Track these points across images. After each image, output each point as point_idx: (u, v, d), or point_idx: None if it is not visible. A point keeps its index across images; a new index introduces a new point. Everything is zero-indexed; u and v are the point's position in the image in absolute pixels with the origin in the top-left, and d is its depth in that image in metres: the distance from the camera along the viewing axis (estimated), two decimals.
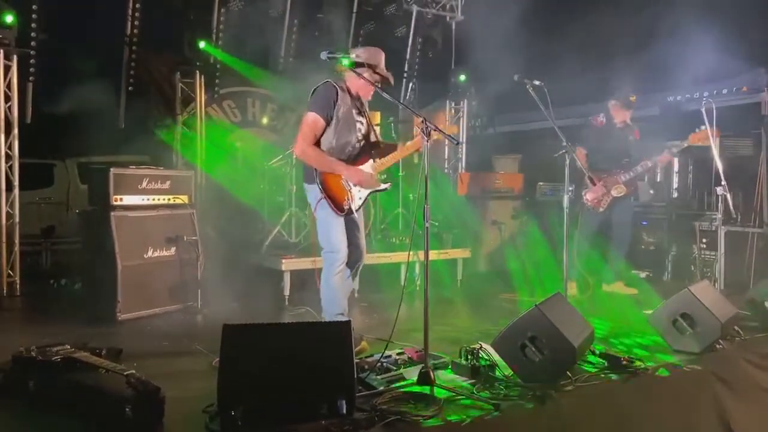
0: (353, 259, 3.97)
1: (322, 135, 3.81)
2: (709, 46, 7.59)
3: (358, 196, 3.88)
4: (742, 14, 7.77)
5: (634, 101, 5.76)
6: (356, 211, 3.89)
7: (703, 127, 5.39)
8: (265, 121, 8.50)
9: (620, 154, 5.79)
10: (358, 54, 3.80)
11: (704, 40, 7.55)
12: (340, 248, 3.82)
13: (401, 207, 6.75)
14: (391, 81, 3.90)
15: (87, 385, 2.80)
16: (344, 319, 3.81)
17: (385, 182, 4.03)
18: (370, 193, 3.97)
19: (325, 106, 3.76)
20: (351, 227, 3.94)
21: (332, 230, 3.83)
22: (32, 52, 6.26)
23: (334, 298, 3.88)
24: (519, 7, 7.50)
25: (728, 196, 5.39)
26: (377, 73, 3.82)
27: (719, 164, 5.40)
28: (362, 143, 3.96)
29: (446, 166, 9.37)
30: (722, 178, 5.34)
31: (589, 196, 5.73)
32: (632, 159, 5.75)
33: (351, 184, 3.85)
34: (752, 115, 7.04)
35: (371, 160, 3.95)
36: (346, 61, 3.64)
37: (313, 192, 3.83)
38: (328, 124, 3.79)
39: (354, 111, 3.88)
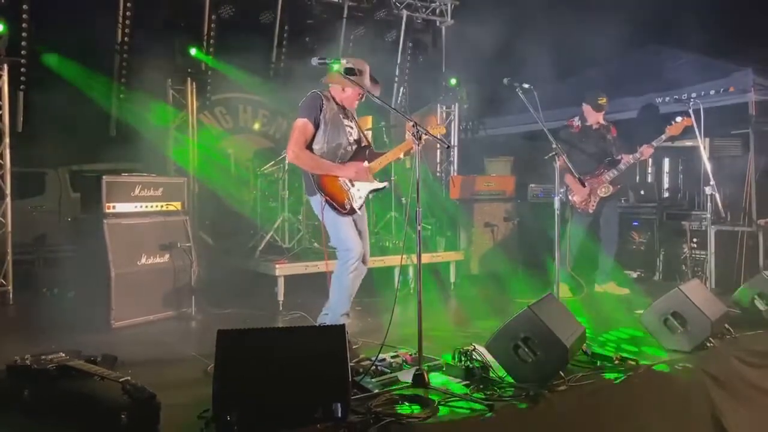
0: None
1: (313, 140, 3.92)
2: (696, 46, 7.68)
3: (357, 195, 3.98)
4: (728, 14, 7.86)
5: (603, 103, 5.83)
6: (359, 209, 3.97)
7: (679, 119, 5.47)
8: (257, 127, 8.51)
9: (601, 154, 5.85)
10: (347, 61, 3.90)
11: (691, 40, 7.65)
12: (353, 245, 3.90)
13: (394, 211, 6.77)
14: (376, 92, 3.97)
15: (82, 393, 2.80)
16: (348, 320, 3.87)
17: (381, 181, 4.11)
18: (370, 191, 4.05)
19: (312, 110, 3.91)
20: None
21: (341, 229, 3.92)
22: (23, 61, 6.26)
23: (343, 298, 3.96)
24: (508, 11, 7.56)
25: (717, 195, 5.45)
26: (363, 81, 3.91)
27: (707, 164, 5.47)
28: (354, 147, 4.05)
29: (438, 169, 9.41)
30: (711, 177, 5.40)
31: (576, 199, 5.78)
32: (614, 157, 5.81)
33: (349, 185, 3.96)
34: (740, 115, 7.10)
35: (365, 162, 4.04)
36: (336, 66, 3.69)
37: (316, 200, 3.92)
38: (317, 128, 3.91)
39: (341, 115, 4.01)
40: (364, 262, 4.08)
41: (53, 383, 2.89)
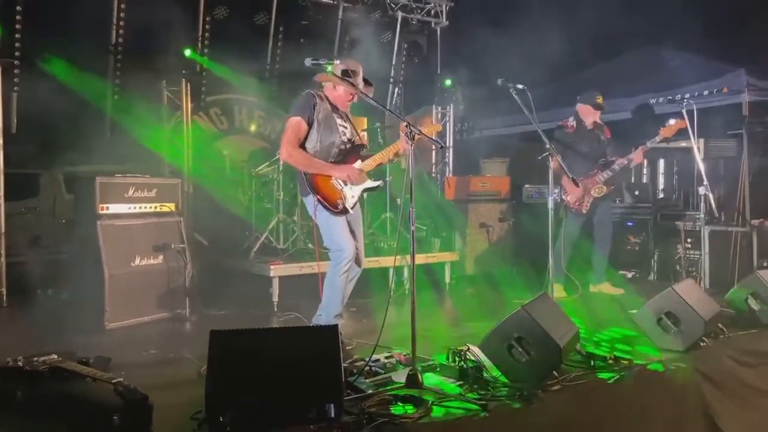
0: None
1: (306, 139, 3.93)
2: (689, 47, 7.70)
3: (350, 194, 3.98)
4: (721, 15, 7.89)
5: (601, 102, 5.86)
6: (351, 208, 3.97)
7: (672, 121, 5.51)
8: (253, 128, 8.50)
9: (596, 155, 5.88)
10: (341, 62, 3.91)
11: (685, 41, 7.67)
12: (345, 246, 3.89)
13: (389, 211, 6.78)
14: (369, 93, 3.97)
15: (74, 395, 2.79)
16: (341, 321, 3.87)
17: (375, 180, 4.10)
18: (363, 191, 4.05)
19: (306, 109, 3.92)
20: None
21: (334, 229, 3.92)
22: (16, 62, 6.25)
23: (336, 299, 3.95)
24: (502, 12, 7.58)
25: (710, 195, 5.47)
26: (356, 82, 3.92)
27: (701, 165, 5.49)
28: (348, 146, 4.05)
29: (434, 170, 9.41)
30: (704, 178, 5.42)
31: (569, 199, 5.80)
32: (608, 158, 5.84)
33: (342, 184, 3.95)
34: (733, 116, 7.13)
35: (359, 161, 4.05)
36: (329, 68, 3.69)
37: (309, 200, 3.92)
38: (310, 126, 3.93)
39: (335, 115, 4.01)
40: (358, 263, 4.08)
41: (45, 385, 2.88)
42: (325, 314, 3.96)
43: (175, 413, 2.76)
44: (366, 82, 4.04)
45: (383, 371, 3.32)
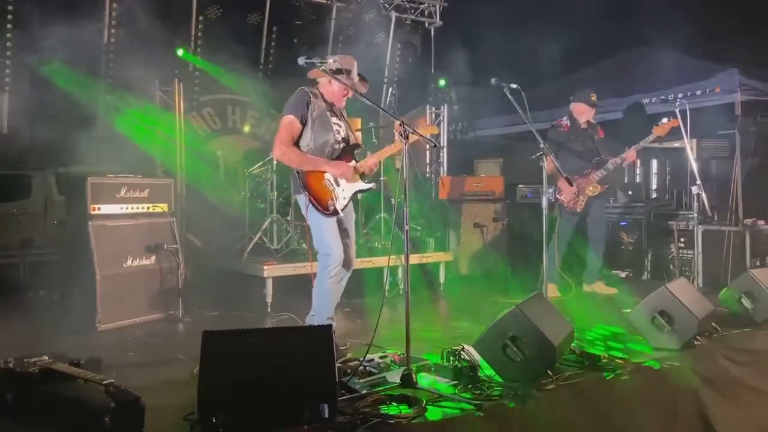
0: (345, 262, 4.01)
1: (300, 137, 3.90)
2: (682, 47, 7.74)
3: (342, 195, 3.95)
4: (714, 15, 7.93)
5: (595, 100, 5.87)
6: (342, 210, 3.94)
7: (665, 120, 5.53)
8: (246, 128, 8.46)
9: (589, 154, 5.89)
10: (334, 60, 3.89)
11: (678, 41, 7.70)
12: (333, 250, 3.86)
13: (383, 212, 6.77)
14: (363, 89, 3.95)
15: (65, 396, 2.76)
16: (333, 323, 3.86)
17: (368, 182, 4.08)
18: (355, 192, 4.02)
19: (299, 107, 3.89)
20: (341, 234, 3.98)
21: (324, 232, 3.89)
22: (7, 62, 6.21)
23: (326, 303, 3.92)
24: (495, 13, 7.59)
25: (703, 195, 5.49)
26: (350, 79, 3.92)
27: (694, 164, 5.51)
28: (342, 145, 4.02)
29: (428, 170, 9.41)
30: (697, 177, 5.43)
31: (564, 198, 5.80)
32: (601, 157, 5.85)
33: (334, 185, 3.92)
34: (726, 116, 7.16)
35: (354, 161, 4.03)
36: (323, 67, 3.68)
37: (302, 199, 3.90)
38: (303, 125, 3.89)
39: (329, 113, 3.98)
40: (347, 266, 4.02)
41: (36, 386, 2.85)
42: (318, 315, 3.94)
43: (168, 414, 2.74)
44: (361, 77, 4.02)
45: (377, 371, 3.31)
